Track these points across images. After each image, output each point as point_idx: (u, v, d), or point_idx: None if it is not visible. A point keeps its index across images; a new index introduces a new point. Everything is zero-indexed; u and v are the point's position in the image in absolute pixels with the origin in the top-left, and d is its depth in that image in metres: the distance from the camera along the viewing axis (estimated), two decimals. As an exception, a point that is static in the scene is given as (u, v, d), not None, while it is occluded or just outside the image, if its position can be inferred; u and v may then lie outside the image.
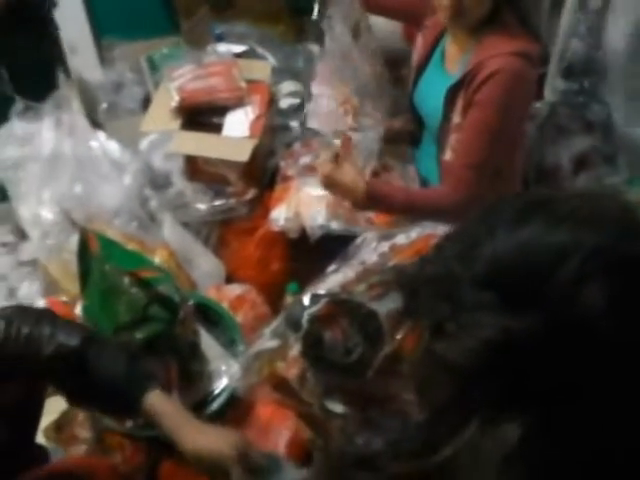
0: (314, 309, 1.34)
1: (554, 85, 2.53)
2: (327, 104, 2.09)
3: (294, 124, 2.19)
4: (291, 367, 1.44)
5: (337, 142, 1.98)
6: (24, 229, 2.13)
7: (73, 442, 1.65)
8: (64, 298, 1.96)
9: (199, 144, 2.02)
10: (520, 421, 0.68)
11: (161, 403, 1.27)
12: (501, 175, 1.90)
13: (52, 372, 1.27)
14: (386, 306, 1.38)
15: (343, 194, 1.84)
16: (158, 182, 2.18)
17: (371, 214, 1.99)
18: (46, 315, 1.30)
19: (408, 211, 1.86)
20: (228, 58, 2.23)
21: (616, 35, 2.45)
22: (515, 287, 0.70)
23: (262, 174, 2.11)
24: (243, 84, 2.12)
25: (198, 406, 1.56)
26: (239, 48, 2.43)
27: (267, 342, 1.37)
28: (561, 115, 2.47)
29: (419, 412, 0.96)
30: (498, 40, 1.75)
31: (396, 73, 2.33)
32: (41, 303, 1.97)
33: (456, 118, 1.82)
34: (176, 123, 2.07)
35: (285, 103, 2.25)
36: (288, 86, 2.28)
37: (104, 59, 3.21)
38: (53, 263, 2.03)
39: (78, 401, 1.38)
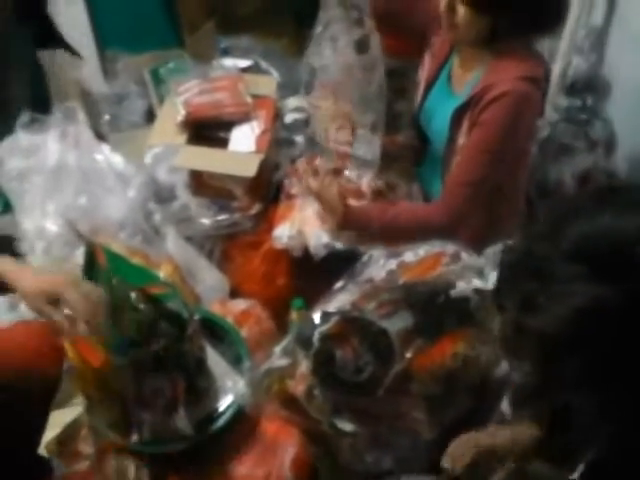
0: (325, 327, 1.35)
1: (556, 102, 2.54)
2: (322, 119, 2.10)
3: (299, 139, 2.20)
4: (299, 383, 1.44)
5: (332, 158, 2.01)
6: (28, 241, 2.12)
7: (75, 458, 1.64)
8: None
9: (205, 159, 2.02)
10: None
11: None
12: (503, 192, 1.91)
13: None
14: (396, 324, 1.39)
15: (325, 211, 1.88)
16: (162, 195, 2.17)
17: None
18: None
19: (390, 229, 1.86)
20: (234, 73, 2.24)
21: (620, 51, 2.47)
22: (602, 260, 0.81)
23: (267, 189, 2.12)
24: (249, 99, 2.13)
25: (204, 422, 1.56)
26: (244, 63, 2.44)
27: (277, 360, 1.37)
28: (564, 132, 2.48)
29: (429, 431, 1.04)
30: (505, 64, 1.76)
31: (396, 85, 2.33)
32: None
33: (461, 139, 1.83)
34: (182, 137, 2.07)
35: (290, 118, 2.26)
36: (293, 101, 2.28)
37: (107, 71, 3.22)
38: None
39: None
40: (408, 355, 1.37)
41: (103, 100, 3.03)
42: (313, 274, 1.94)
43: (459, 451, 1.32)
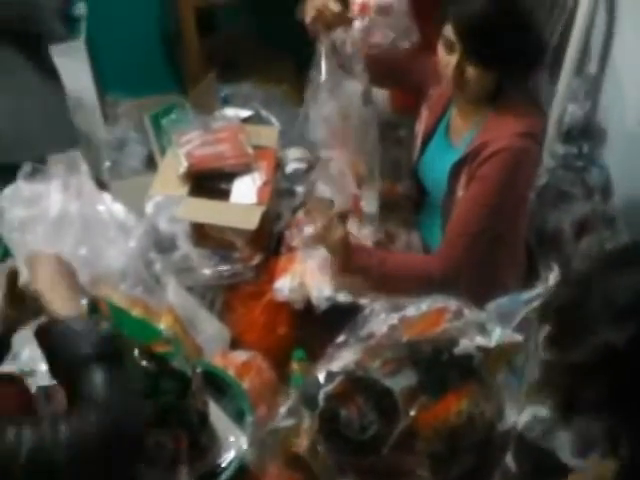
0: (330, 387, 1.35)
1: (553, 149, 2.57)
2: (337, 167, 2.11)
3: (299, 189, 2.22)
4: (303, 440, 1.44)
5: (338, 204, 2.02)
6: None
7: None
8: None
9: (207, 211, 2.03)
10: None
11: None
12: (503, 242, 1.92)
13: None
14: (400, 382, 1.39)
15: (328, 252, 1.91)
16: (163, 245, 2.18)
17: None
18: None
19: (389, 278, 1.89)
20: (235, 123, 2.26)
21: (614, 98, 2.50)
22: (627, 309, 1.04)
23: (268, 239, 2.13)
24: (250, 150, 2.15)
25: (206, 478, 1.55)
26: (245, 113, 2.46)
27: (283, 421, 1.37)
28: (561, 179, 2.50)
29: None
30: (503, 119, 1.78)
31: (393, 136, 2.35)
32: (44, 369, 1.97)
33: (460, 192, 1.85)
34: (184, 189, 2.09)
35: (291, 168, 2.28)
36: (295, 152, 2.30)
37: (108, 116, 3.25)
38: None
39: None
40: (412, 413, 1.37)
41: (104, 145, 3.05)
42: (314, 325, 1.95)
43: None
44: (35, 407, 1.55)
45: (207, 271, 2.09)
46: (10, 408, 1.42)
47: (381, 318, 1.58)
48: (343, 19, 1.96)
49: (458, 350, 1.40)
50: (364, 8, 1.99)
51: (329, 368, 1.38)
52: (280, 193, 2.20)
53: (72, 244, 2.09)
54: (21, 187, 2.14)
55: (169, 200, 2.19)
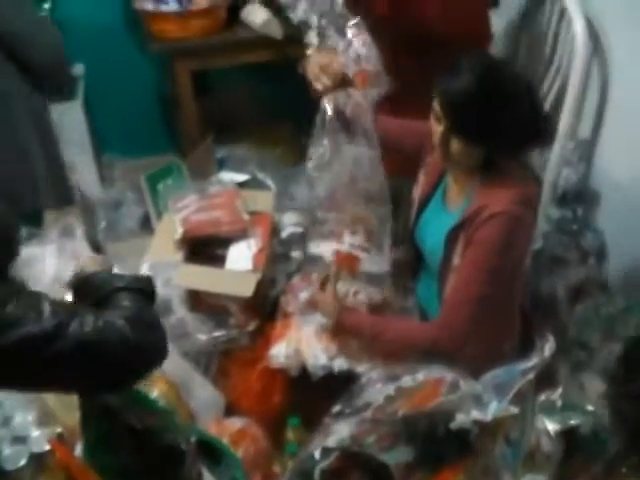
0: (325, 463, 1.34)
1: (548, 213, 2.58)
2: (332, 227, 2.11)
3: (295, 254, 2.22)
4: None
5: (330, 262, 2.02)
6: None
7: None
8: (59, 429, 1.93)
9: (203, 278, 2.04)
10: None
11: None
12: (500, 307, 1.92)
13: None
14: (396, 457, 1.38)
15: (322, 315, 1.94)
16: (158, 309, 2.17)
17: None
18: None
19: (382, 342, 1.90)
20: (231, 189, 2.27)
21: (607, 162, 2.52)
22: None
23: (263, 305, 2.12)
24: (246, 216, 2.16)
25: None
26: (242, 177, 2.47)
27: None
28: (556, 244, 2.51)
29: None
30: (497, 188, 1.79)
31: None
32: (37, 435, 1.95)
33: (456, 259, 1.85)
34: (179, 254, 2.10)
35: (286, 232, 2.28)
36: (290, 217, 2.31)
37: (104, 176, 3.27)
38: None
39: None
40: (408, 487, 1.36)
41: (100, 205, 3.07)
42: (310, 392, 1.94)
43: None
44: None
45: (202, 336, 2.08)
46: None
47: (377, 388, 1.58)
48: (345, 80, 2.00)
49: (454, 424, 1.39)
50: (364, 79, 2.00)
51: (325, 444, 1.37)
52: (276, 258, 2.21)
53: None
54: (17, 250, 2.14)
55: (165, 264, 2.19)
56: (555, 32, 2.58)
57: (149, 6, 3.02)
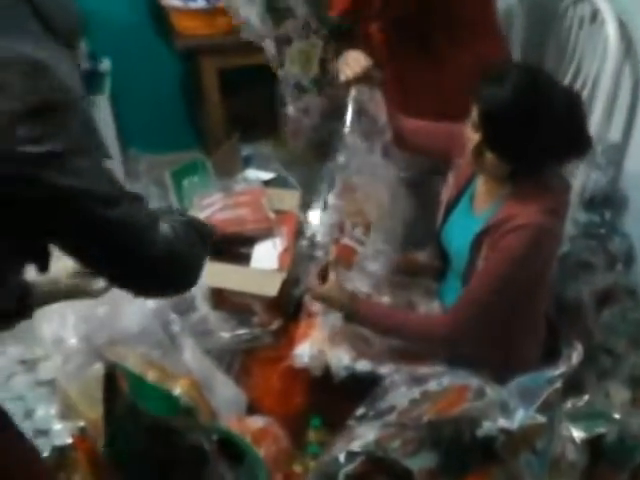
0: (350, 467, 1.33)
1: (575, 217, 2.55)
2: (335, 216, 2.10)
3: (320, 254, 2.20)
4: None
5: (328, 255, 2.02)
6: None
7: None
8: (82, 423, 1.94)
9: (227, 277, 2.03)
10: None
11: None
12: (520, 312, 1.90)
13: None
14: (420, 463, 1.37)
15: (331, 307, 1.92)
16: (181, 306, 2.17)
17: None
18: None
19: (396, 333, 1.91)
20: (257, 187, 2.26)
21: (637, 166, 2.49)
22: None
23: (287, 305, 2.11)
24: (271, 215, 2.16)
25: None
26: (267, 175, 2.46)
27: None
28: (582, 248, 2.48)
29: None
30: (526, 196, 1.76)
31: (417, 199, 2.34)
32: (59, 428, 1.96)
33: (481, 263, 1.83)
34: (205, 252, 2.08)
35: (311, 231, 2.27)
36: (315, 215, 2.29)
37: (129, 171, 3.27)
38: (73, 386, 2.01)
39: None
40: (432, 493, 1.35)
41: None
42: (332, 393, 1.93)
43: None
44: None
45: (225, 334, 2.08)
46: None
47: (401, 391, 1.57)
48: (370, 75, 2.01)
49: (480, 432, 1.38)
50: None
51: (349, 447, 1.36)
52: (300, 258, 2.19)
53: (91, 303, 2.09)
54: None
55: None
56: (584, 34, 2.55)
57: (176, 2, 3.02)
